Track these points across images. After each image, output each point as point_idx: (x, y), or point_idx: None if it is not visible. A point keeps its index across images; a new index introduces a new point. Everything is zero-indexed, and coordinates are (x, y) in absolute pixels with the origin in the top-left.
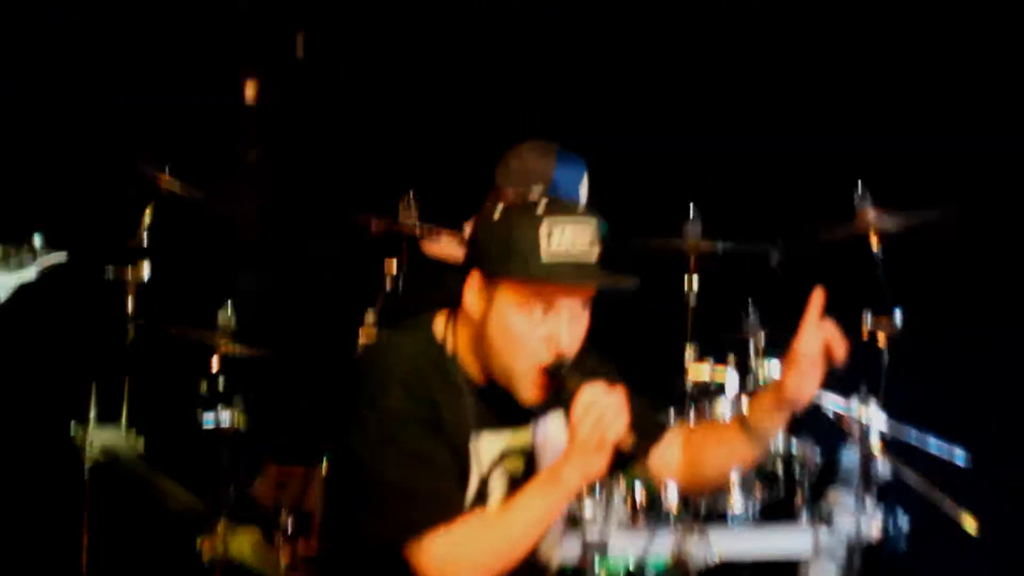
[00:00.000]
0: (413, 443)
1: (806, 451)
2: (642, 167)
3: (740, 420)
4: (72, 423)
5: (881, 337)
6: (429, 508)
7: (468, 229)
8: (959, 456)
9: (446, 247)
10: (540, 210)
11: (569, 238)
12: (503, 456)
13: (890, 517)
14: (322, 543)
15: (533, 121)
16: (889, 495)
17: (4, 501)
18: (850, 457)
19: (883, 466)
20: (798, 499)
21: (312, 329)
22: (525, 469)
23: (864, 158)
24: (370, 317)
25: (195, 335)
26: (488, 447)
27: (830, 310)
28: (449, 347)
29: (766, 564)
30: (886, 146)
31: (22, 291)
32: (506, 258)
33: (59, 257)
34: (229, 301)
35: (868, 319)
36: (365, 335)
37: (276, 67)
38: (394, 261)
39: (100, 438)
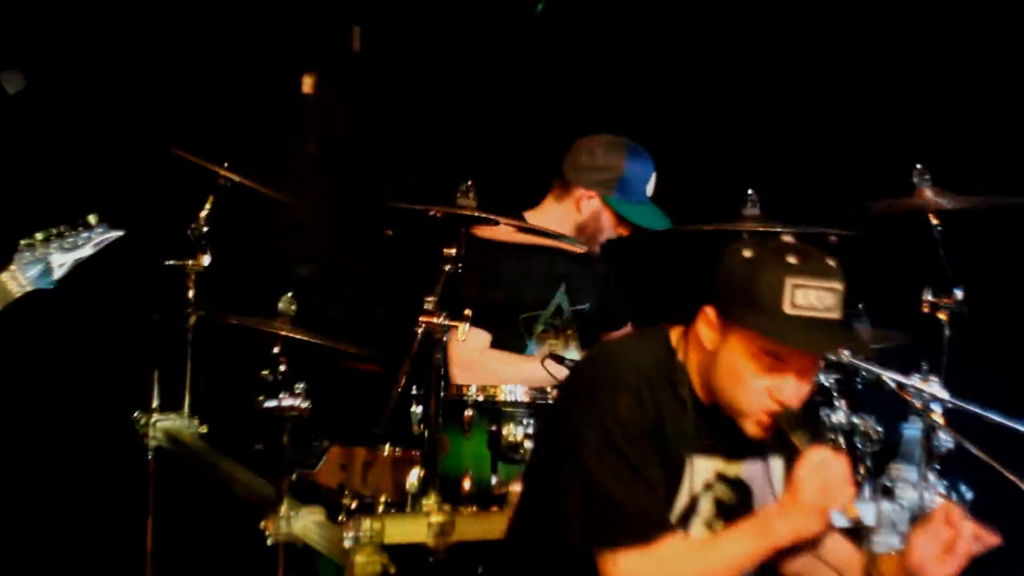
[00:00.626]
0: (632, 455)
1: (868, 425)
2: (700, 153)
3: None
4: (136, 412)
5: (942, 313)
6: (634, 522)
7: (527, 216)
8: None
9: (500, 231)
10: (791, 261)
11: (814, 297)
12: (718, 478)
13: (953, 490)
14: (515, 529)
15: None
16: (952, 468)
17: (71, 489)
18: (912, 430)
19: (945, 439)
20: (861, 472)
21: (373, 315)
22: (736, 498)
23: (927, 137)
24: (430, 303)
25: (255, 323)
26: (703, 466)
27: (891, 286)
28: (681, 359)
29: None
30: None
31: (83, 276)
32: (746, 305)
33: (115, 235)
34: (290, 289)
35: (929, 296)
36: (425, 320)
37: (333, 61)
38: (453, 248)
39: (163, 425)
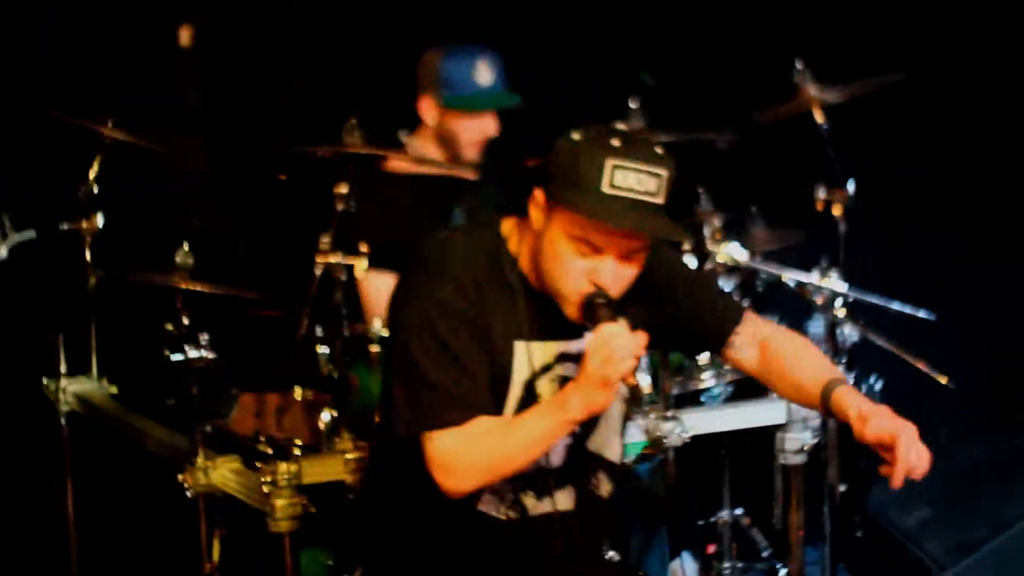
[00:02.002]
0: (451, 340)
1: None
2: (580, 66)
3: (825, 388)
4: (44, 378)
5: (836, 208)
6: (449, 405)
7: (409, 140)
8: (924, 312)
9: (394, 163)
10: (613, 144)
11: (633, 179)
12: (559, 359)
13: (862, 381)
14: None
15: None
16: (859, 360)
17: None
18: (816, 327)
19: (850, 332)
20: None
21: (270, 258)
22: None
23: (803, 32)
24: (325, 243)
25: (155, 278)
26: (539, 350)
27: (782, 186)
28: (512, 249)
29: (743, 435)
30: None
31: None
32: (568, 186)
33: (28, 235)
34: (185, 242)
35: (821, 192)
36: (321, 260)
37: (207, 9)
38: (344, 184)
39: (73, 389)
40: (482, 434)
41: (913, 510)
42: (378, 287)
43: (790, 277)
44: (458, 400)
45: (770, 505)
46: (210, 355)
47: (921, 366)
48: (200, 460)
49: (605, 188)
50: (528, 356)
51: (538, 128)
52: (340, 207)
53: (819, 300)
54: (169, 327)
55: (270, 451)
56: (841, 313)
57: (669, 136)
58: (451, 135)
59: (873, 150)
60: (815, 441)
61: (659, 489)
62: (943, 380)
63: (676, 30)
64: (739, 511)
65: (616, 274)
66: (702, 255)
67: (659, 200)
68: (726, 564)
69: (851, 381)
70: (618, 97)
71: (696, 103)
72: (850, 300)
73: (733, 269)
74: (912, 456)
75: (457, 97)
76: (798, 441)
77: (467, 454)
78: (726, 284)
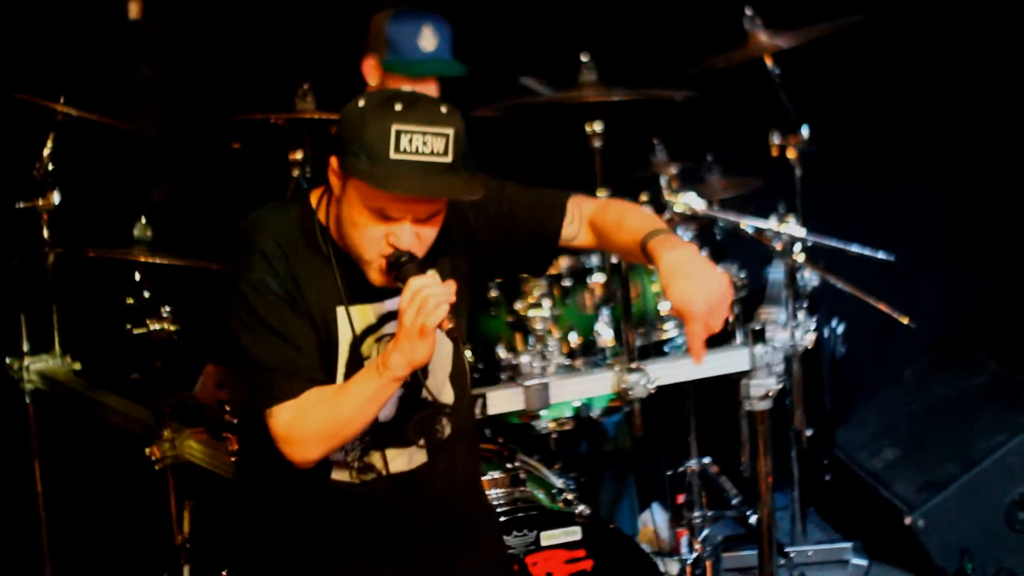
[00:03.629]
0: (271, 317)
1: (732, 273)
2: (531, 21)
3: (643, 240)
4: (6, 357)
5: (791, 153)
6: (279, 378)
7: None
8: (882, 254)
9: None
10: (396, 108)
11: (419, 141)
12: (380, 320)
13: (825, 325)
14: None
15: None
16: (821, 304)
17: None
18: (776, 273)
19: (809, 277)
20: (731, 321)
21: (229, 228)
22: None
23: None
24: None
25: (114, 253)
26: (361, 313)
27: (737, 134)
28: (322, 218)
29: (709, 383)
30: None
31: None
32: (355, 154)
33: None
34: (142, 215)
35: (776, 138)
36: None
37: None
38: (299, 151)
39: (36, 367)
40: (316, 403)
41: (881, 451)
42: None
43: (748, 224)
44: (288, 375)
45: (738, 453)
46: (172, 327)
47: (883, 307)
48: (167, 433)
49: (392, 154)
50: (349, 320)
51: (491, 85)
52: (295, 173)
53: (778, 246)
54: (130, 301)
55: (235, 420)
56: (800, 258)
57: (623, 92)
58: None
59: (827, 94)
60: (780, 387)
61: (626, 441)
62: (904, 320)
63: None
64: (707, 460)
65: (416, 236)
66: (659, 205)
67: (448, 159)
68: (696, 513)
69: (813, 326)
70: (569, 51)
71: (647, 54)
72: (809, 244)
73: (691, 218)
74: (699, 335)
75: (398, 61)
76: (763, 387)
77: (305, 424)
78: (684, 233)
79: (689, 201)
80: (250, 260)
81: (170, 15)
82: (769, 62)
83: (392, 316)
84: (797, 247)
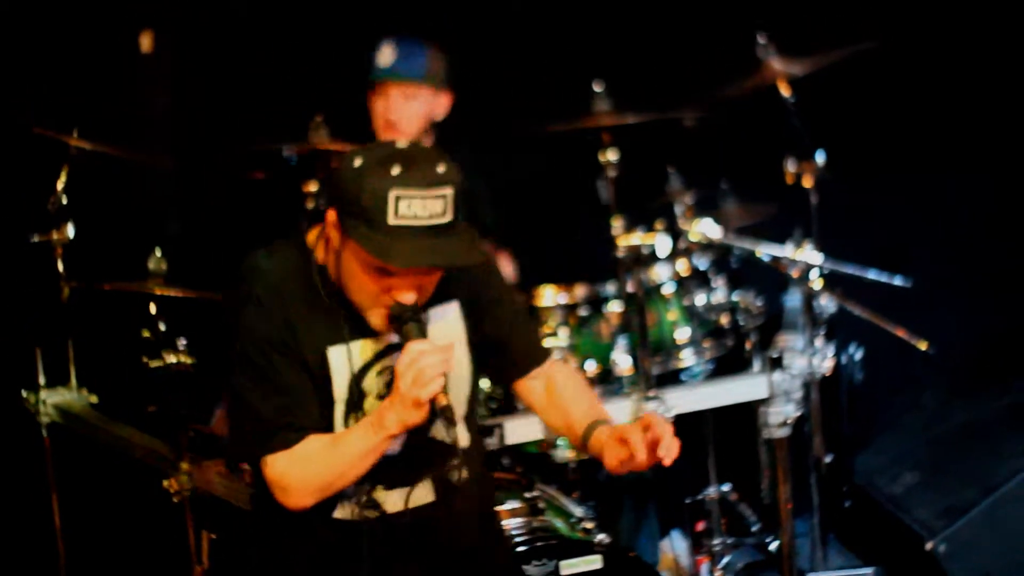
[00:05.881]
0: (265, 366)
1: (748, 300)
2: (544, 49)
3: (590, 426)
4: (23, 391)
5: (807, 180)
6: (273, 429)
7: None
8: (899, 279)
9: None
10: (394, 172)
11: (418, 206)
12: (380, 354)
13: (843, 351)
14: None
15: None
16: (839, 330)
17: None
18: (793, 299)
19: (826, 303)
20: (748, 348)
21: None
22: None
23: (763, 5)
24: None
25: (129, 286)
26: (360, 348)
27: (752, 161)
28: (319, 258)
29: (726, 412)
30: None
31: None
32: (353, 216)
33: None
34: (157, 247)
35: (791, 164)
36: None
37: (168, 15)
38: (313, 181)
39: (53, 400)
40: (311, 454)
41: (900, 477)
42: None
43: (764, 251)
44: (280, 424)
45: (757, 480)
46: (189, 359)
47: (900, 333)
48: (184, 465)
49: (391, 220)
50: (348, 356)
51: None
52: (310, 204)
53: (794, 273)
54: (146, 334)
55: None
56: (817, 284)
57: (636, 117)
58: (373, 118)
59: (842, 120)
60: (798, 414)
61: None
62: (922, 346)
63: (638, 7)
64: (727, 487)
65: (418, 289)
66: (675, 233)
67: (447, 219)
68: (716, 540)
69: (830, 352)
70: (583, 79)
71: (661, 82)
72: (825, 271)
73: (707, 246)
74: (641, 451)
75: (372, 79)
76: (781, 415)
77: (300, 474)
78: (701, 261)
79: (705, 229)
80: (243, 308)
81: (183, 49)
82: (783, 89)
83: (393, 348)
84: (814, 274)
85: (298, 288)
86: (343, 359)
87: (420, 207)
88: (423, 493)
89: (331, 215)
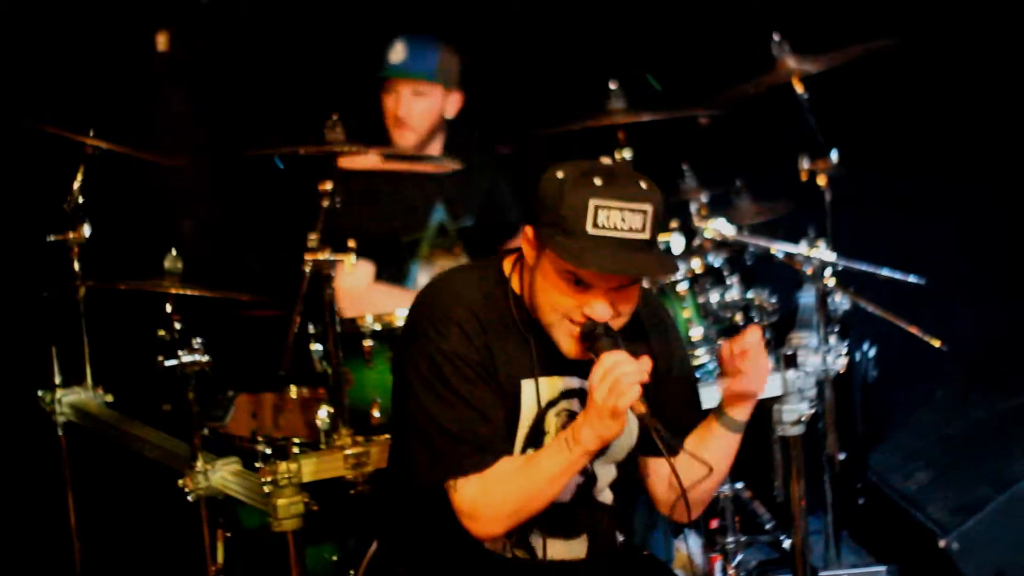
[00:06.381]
0: (461, 387)
1: (763, 298)
2: (560, 48)
3: (715, 413)
4: (39, 390)
5: (821, 177)
6: (468, 451)
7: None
8: (913, 277)
9: (371, 160)
10: (596, 183)
11: (617, 218)
12: (564, 394)
13: (856, 348)
14: (389, 460)
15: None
16: (852, 328)
17: None
18: (807, 297)
19: (840, 300)
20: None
21: (259, 258)
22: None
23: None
24: (313, 240)
25: (144, 285)
26: (548, 385)
27: (767, 159)
28: (516, 287)
29: None
30: None
31: None
32: (552, 226)
33: None
34: (173, 247)
35: (805, 162)
36: (310, 258)
37: (183, 14)
38: (328, 183)
39: (68, 399)
40: (503, 477)
41: (914, 474)
42: (351, 281)
43: (778, 249)
44: (476, 447)
45: (770, 478)
46: (204, 358)
47: (914, 331)
48: (199, 464)
49: (589, 229)
50: (536, 392)
51: (520, 113)
52: (325, 204)
53: (808, 270)
54: (162, 333)
55: (269, 451)
56: (831, 282)
57: (650, 115)
58: (390, 109)
59: (856, 117)
60: (812, 411)
61: None
62: (936, 343)
63: (653, 6)
64: (740, 485)
65: (611, 307)
66: (689, 231)
67: (645, 235)
68: (730, 538)
69: (844, 350)
70: (599, 78)
71: (675, 80)
72: (839, 269)
73: (721, 244)
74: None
75: (381, 77)
76: (795, 412)
77: (492, 499)
78: (715, 259)
79: (719, 227)
80: (446, 330)
81: (199, 48)
82: (797, 86)
83: (572, 393)
84: (828, 271)
85: (494, 315)
86: (532, 393)
87: (619, 219)
88: (578, 548)
89: (528, 230)
